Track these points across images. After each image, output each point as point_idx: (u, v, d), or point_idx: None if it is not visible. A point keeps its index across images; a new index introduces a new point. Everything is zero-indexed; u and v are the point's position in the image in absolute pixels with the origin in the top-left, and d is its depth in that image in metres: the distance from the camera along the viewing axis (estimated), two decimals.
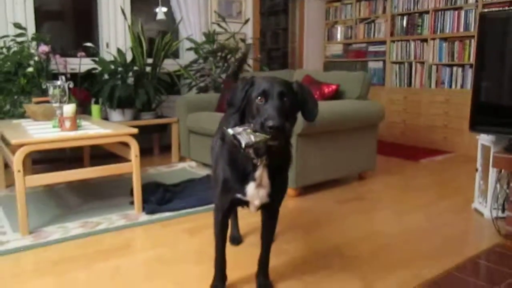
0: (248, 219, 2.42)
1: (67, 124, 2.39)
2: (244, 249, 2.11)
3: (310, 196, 2.98)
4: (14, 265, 1.93)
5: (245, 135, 1.29)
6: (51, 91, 2.69)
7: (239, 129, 1.32)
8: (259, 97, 1.36)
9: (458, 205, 2.82)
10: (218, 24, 4.49)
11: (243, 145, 1.28)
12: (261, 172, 1.47)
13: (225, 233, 1.66)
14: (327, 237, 2.28)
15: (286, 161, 1.56)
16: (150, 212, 2.55)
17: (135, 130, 2.52)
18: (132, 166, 2.49)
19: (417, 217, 2.60)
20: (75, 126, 2.44)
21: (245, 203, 1.56)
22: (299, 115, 1.49)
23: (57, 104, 2.68)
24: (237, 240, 2.16)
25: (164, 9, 4.28)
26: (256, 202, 1.53)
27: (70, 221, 2.45)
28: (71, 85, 2.81)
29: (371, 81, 3.48)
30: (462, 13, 4.43)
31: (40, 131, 2.48)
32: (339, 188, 3.20)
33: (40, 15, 3.88)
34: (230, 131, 1.32)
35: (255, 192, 1.50)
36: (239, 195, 1.53)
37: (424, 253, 2.08)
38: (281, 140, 1.36)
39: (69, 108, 2.40)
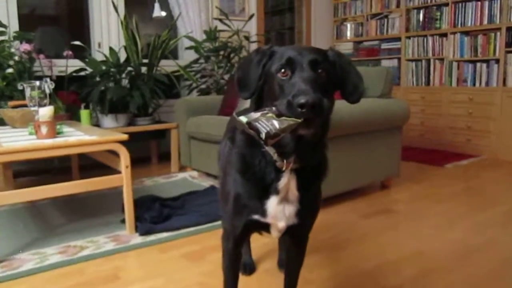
0: (262, 239, 2.02)
1: (44, 130, 2.00)
2: (259, 278, 1.72)
3: (330, 210, 2.58)
4: None
5: (266, 122, 0.87)
6: (28, 92, 2.33)
7: (255, 114, 0.90)
8: (282, 70, 0.96)
9: (503, 216, 2.42)
10: (220, 20, 4.12)
11: (263, 136, 0.86)
12: (287, 181, 1.06)
13: (236, 267, 1.26)
14: (357, 260, 1.88)
15: (322, 165, 1.13)
16: (144, 232, 2.16)
17: (125, 137, 2.13)
18: (122, 179, 2.10)
19: (458, 232, 2.21)
20: (54, 133, 2.05)
21: (265, 227, 1.14)
22: None
23: (36, 108, 2.31)
24: (249, 267, 1.76)
25: (158, 7, 3.91)
26: (281, 224, 1.11)
27: (49, 245, 2.06)
28: (52, 85, 2.45)
29: (394, 77, 3.10)
30: (486, 3, 4.05)
31: (13, 139, 2.10)
32: (361, 199, 2.81)
33: (26, 16, 3.53)
34: (244, 118, 0.90)
35: (279, 209, 1.09)
36: (256, 216, 1.11)
37: (480, 279, 1.69)
38: (318, 127, 0.95)
39: (46, 111, 2.02)
